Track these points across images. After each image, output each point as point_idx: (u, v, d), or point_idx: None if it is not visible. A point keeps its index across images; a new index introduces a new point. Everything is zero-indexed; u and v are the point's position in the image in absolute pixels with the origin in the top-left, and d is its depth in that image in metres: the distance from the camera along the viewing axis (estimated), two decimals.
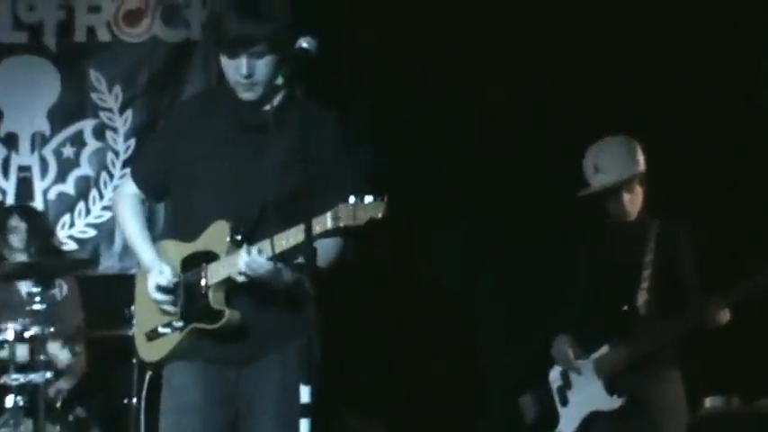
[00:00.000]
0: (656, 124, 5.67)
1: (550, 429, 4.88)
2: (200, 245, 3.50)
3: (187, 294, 3.49)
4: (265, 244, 3.34)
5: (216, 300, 3.43)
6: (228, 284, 3.43)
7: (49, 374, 5.23)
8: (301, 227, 3.16)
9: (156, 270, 3.52)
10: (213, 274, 3.44)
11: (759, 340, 5.45)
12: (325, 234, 3.23)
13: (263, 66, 3.45)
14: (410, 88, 6.16)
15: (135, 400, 5.48)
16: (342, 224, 3.19)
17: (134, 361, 5.39)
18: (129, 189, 3.73)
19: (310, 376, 3.00)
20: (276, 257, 3.33)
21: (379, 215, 3.17)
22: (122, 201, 3.73)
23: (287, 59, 3.39)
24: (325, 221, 3.21)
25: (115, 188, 6.46)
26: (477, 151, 6.12)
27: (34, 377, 5.19)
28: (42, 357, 5.19)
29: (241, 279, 3.38)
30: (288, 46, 3.36)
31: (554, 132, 5.88)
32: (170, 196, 3.66)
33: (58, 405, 5.40)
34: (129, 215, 3.70)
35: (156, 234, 3.74)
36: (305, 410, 3.00)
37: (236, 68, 3.46)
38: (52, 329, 5.28)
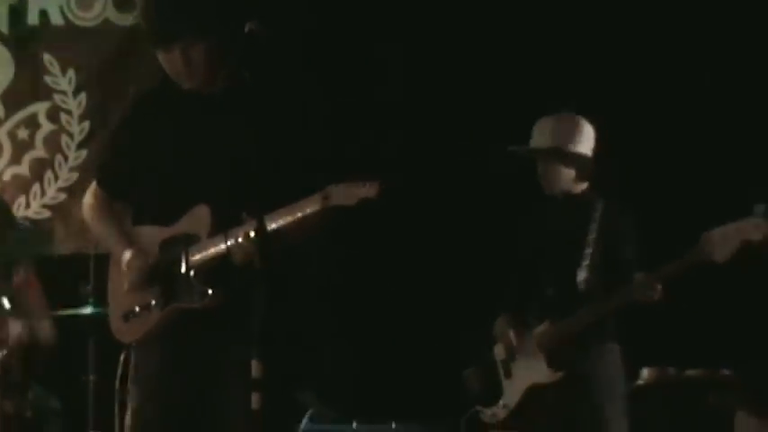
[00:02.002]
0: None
1: (494, 402, 4.97)
2: (180, 228, 3.52)
3: (168, 275, 3.50)
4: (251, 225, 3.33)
5: (198, 279, 3.46)
6: (210, 265, 3.46)
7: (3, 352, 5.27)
8: (290, 207, 3.20)
9: (132, 253, 3.53)
10: (195, 255, 3.47)
11: (690, 314, 5.64)
12: (314, 215, 3.24)
13: (198, 53, 3.46)
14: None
15: (92, 377, 5.57)
16: (332, 204, 3.20)
17: (91, 340, 5.49)
18: (98, 194, 3.72)
19: (260, 351, 3.06)
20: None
21: (372, 194, 3.18)
22: (92, 208, 3.73)
23: (232, 44, 3.38)
24: (315, 201, 3.24)
25: (70, 170, 6.52)
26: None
27: None
28: None
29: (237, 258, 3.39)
30: (224, 30, 3.38)
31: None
32: (139, 190, 3.65)
33: (16, 381, 5.44)
34: (99, 217, 3.69)
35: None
36: (256, 385, 3.07)
37: (172, 61, 3.49)
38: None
